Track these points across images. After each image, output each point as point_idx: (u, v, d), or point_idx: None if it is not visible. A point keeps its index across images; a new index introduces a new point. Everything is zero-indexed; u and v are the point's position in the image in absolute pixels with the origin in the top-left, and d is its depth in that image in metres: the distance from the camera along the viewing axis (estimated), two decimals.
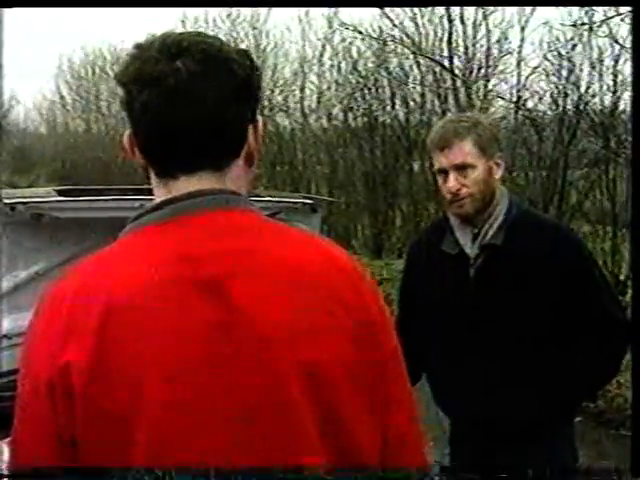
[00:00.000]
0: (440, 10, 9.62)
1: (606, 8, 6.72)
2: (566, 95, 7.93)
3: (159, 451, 1.01)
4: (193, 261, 1.06)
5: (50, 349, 1.04)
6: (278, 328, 1.06)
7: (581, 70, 7.82)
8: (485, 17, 9.27)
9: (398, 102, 10.81)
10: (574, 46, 7.75)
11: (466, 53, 9.46)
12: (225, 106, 1.11)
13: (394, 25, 9.79)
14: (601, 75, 7.64)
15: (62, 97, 24.56)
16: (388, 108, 10.93)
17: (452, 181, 2.23)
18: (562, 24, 7.53)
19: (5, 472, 1.15)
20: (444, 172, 2.26)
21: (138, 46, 1.13)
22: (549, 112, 8.30)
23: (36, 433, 1.05)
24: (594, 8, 6.91)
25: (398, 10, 9.77)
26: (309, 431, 1.06)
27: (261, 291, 1.07)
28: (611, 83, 7.51)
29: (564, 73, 7.96)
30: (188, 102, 1.08)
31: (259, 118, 1.18)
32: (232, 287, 1.06)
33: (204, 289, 1.05)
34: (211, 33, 1.23)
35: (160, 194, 1.14)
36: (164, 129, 1.10)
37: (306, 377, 1.06)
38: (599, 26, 7.02)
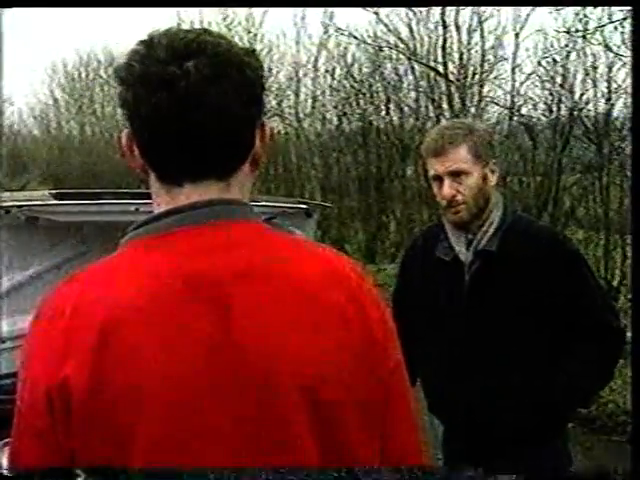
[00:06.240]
0: (435, 16, 9.67)
1: (600, 15, 6.77)
2: (560, 101, 7.98)
3: (157, 466, 1.00)
4: (193, 275, 1.04)
5: (49, 361, 1.02)
6: (278, 344, 1.04)
7: (575, 77, 7.90)
8: (480, 23, 9.32)
9: (392, 107, 10.87)
10: (568, 53, 7.80)
11: (460, 59, 9.50)
12: (236, 110, 1.06)
13: (389, 30, 9.84)
14: (595, 82, 7.70)
15: (56, 100, 24.52)
16: (382, 113, 11.00)
17: (447, 188, 2.24)
18: (556, 31, 7.59)
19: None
20: (439, 179, 2.26)
21: (143, 43, 1.06)
22: (543, 118, 8.36)
23: (34, 445, 1.03)
24: (588, 15, 6.95)
25: (393, 16, 9.83)
26: (308, 448, 1.04)
27: (262, 306, 1.05)
28: (605, 90, 7.56)
29: (558, 80, 8.02)
30: (200, 106, 1.04)
31: (265, 121, 1.14)
32: (232, 302, 1.04)
33: (204, 304, 1.03)
34: None
35: (162, 201, 1.10)
36: (174, 134, 1.05)
37: (306, 394, 1.04)
38: (592, 33, 7.07)
